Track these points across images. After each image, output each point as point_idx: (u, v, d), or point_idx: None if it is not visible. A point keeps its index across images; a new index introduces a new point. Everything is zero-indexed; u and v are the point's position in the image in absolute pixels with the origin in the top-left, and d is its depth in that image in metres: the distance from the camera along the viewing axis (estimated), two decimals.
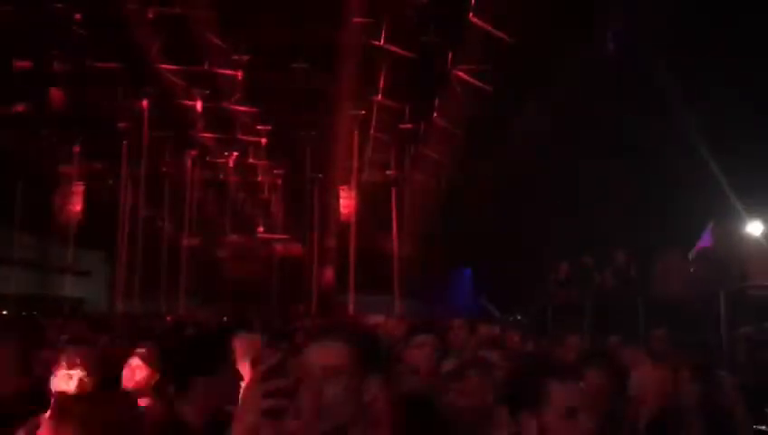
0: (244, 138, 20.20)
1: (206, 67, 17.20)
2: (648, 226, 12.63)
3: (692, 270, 10.67)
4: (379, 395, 2.17)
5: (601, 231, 13.41)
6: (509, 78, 14.62)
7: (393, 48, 15.56)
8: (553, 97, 13.95)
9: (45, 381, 3.68)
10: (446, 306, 20.58)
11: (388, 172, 21.67)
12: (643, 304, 10.07)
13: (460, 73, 15.70)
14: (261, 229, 25.74)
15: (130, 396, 3.80)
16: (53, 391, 3.53)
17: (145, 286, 19.00)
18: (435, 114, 17.80)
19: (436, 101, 17.52)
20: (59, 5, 14.61)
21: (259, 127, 20.25)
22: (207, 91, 18.63)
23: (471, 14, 13.82)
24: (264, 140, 20.88)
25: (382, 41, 15.42)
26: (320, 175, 22.46)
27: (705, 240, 11.04)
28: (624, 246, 12.22)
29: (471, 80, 15.56)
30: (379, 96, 17.82)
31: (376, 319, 13.13)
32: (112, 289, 22.53)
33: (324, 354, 1.90)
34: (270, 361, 1.84)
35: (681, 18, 10.93)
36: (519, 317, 16.42)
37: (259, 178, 23.24)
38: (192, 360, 3.51)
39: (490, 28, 13.72)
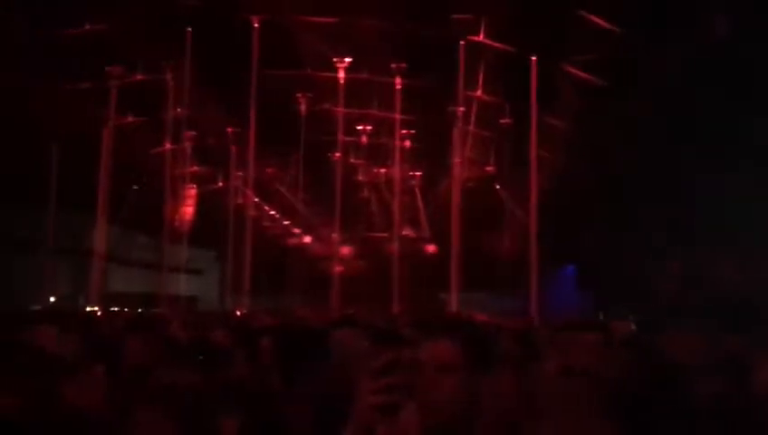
0: (347, 138, 20.51)
1: (308, 71, 17.61)
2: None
3: None
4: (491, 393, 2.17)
5: (717, 228, 12.74)
6: (615, 69, 14.14)
7: (493, 43, 15.38)
8: (662, 89, 13.37)
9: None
10: (548, 304, 20.10)
11: (488, 169, 21.41)
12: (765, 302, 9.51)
13: (565, 66, 15.32)
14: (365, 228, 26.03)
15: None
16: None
17: (255, 285, 19.57)
18: (537, 108, 17.42)
19: (538, 96, 17.14)
20: (167, 15, 15.30)
21: (359, 127, 20.55)
22: (310, 94, 19.09)
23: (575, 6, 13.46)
24: (363, 139, 21.15)
25: (481, 36, 15.28)
26: (420, 173, 22.50)
27: None
28: (743, 243, 11.58)
29: (575, 72, 15.15)
30: (479, 92, 17.67)
31: (479, 317, 12.98)
32: (223, 287, 23.44)
33: (438, 351, 1.91)
34: (382, 357, 1.84)
35: None
36: (629, 316, 15.83)
37: (359, 178, 23.51)
38: (296, 356, 3.58)
39: (595, 19, 13.31)
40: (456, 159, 19.92)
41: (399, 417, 1.76)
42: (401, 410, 1.75)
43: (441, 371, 1.87)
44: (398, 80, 18.22)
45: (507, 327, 7.13)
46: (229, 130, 20.68)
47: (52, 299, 21.46)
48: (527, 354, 3.79)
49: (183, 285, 23.67)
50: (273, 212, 24.71)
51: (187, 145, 21.22)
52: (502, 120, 19.11)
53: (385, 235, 25.21)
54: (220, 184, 23.29)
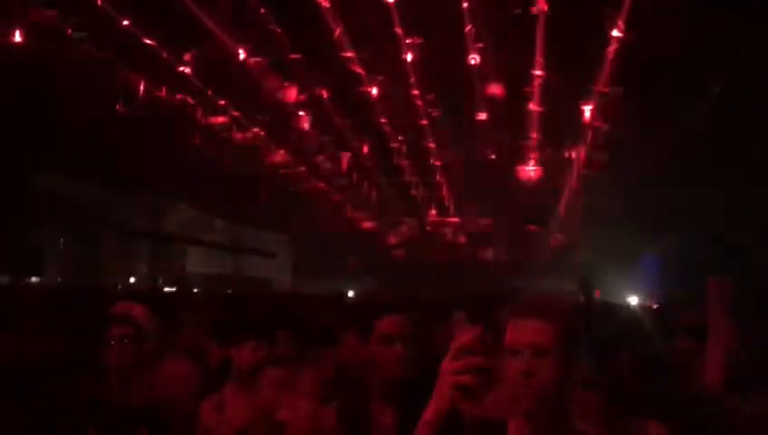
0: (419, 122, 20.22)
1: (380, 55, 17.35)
2: None
3: None
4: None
5: None
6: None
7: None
8: None
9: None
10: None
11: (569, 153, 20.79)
12: None
13: None
14: (433, 213, 25.89)
15: None
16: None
17: (326, 268, 19.75)
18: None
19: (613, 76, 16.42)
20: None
21: (431, 110, 20.24)
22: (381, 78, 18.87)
23: None
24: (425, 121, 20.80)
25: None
26: (495, 156, 22.03)
27: None
28: None
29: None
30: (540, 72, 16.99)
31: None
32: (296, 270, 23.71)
33: (532, 332, 1.84)
34: (463, 337, 1.80)
35: None
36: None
37: (432, 162, 23.23)
38: None
39: None
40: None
41: (480, 397, 1.70)
42: (482, 391, 1.70)
43: (534, 351, 1.78)
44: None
45: None
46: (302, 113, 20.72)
47: (132, 279, 22.25)
48: None
49: (258, 268, 24.15)
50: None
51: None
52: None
53: (455, 220, 25.07)
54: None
